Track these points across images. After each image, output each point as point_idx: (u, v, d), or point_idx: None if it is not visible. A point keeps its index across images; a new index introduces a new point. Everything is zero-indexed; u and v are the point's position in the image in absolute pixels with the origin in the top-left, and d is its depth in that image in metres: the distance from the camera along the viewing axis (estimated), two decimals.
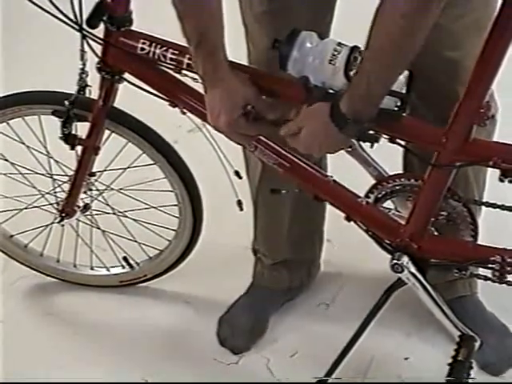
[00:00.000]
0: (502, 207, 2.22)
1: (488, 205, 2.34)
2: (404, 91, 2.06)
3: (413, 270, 2.29)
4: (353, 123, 1.93)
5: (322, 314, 2.85)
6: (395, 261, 2.27)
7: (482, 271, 2.30)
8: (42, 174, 2.73)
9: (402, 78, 2.06)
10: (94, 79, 2.41)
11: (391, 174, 2.28)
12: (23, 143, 2.68)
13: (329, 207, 2.47)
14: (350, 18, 2.67)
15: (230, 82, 2.07)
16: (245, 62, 2.27)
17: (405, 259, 2.27)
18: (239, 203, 2.51)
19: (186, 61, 2.22)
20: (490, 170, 2.18)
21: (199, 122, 2.32)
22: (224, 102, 2.09)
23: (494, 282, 2.24)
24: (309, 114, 2.04)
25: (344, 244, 2.68)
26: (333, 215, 2.42)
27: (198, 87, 2.24)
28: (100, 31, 2.29)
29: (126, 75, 2.37)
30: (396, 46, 1.80)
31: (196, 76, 2.20)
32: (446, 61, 2.16)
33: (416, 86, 2.23)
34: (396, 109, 2.06)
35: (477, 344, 2.37)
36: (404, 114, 2.08)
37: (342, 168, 2.39)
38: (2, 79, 3.27)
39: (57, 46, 3.83)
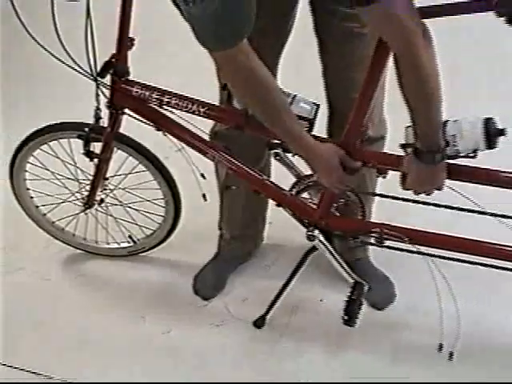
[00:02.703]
0: (385, 196, 2.31)
1: (375, 195, 2.49)
2: (312, 117, 2.17)
3: (322, 238, 2.38)
4: (432, 153, 1.94)
5: (265, 273, 2.93)
6: (310, 233, 2.37)
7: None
8: (72, 179, 2.79)
9: (309, 107, 2.18)
10: (104, 113, 2.49)
11: (306, 174, 2.35)
12: (58, 158, 2.75)
13: None
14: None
15: (324, 153, 2.08)
16: None
17: (316, 232, 2.36)
18: (203, 196, 2.61)
19: (165, 99, 2.33)
20: None
21: (178, 143, 2.43)
22: (329, 168, 2.09)
23: (377, 246, 2.32)
24: (406, 165, 2.05)
25: (280, 224, 2.72)
26: (273, 204, 2.46)
27: (175, 117, 2.37)
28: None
29: (127, 110, 2.45)
30: (429, 87, 1.78)
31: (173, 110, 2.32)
32: (351, 100, 2.11)
33: (334, 119, 2.43)
34: (306, 128, 2.16)
35: (366, 288, 2.45)
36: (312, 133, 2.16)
37: (277, 171, 2.48)
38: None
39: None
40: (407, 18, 1.67)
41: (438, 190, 2.08)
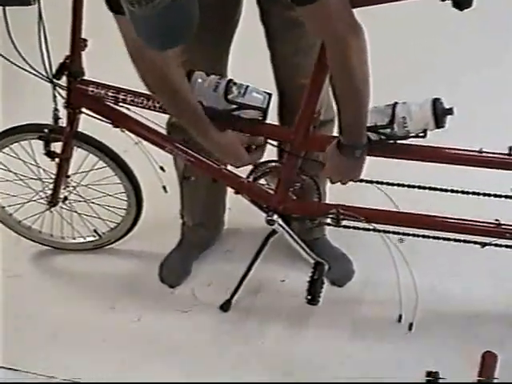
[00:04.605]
0: None
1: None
2: (265, 106, 2.10)
3: (281, 223, 2.32)
4: (353, 148, 1.92)
5: (227, 257, 2.85)
6: (269, 218, 2.31)
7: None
8: (35, 179, 2.71)
9: (262, 97, 2.12)
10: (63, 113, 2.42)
11: (263, 160, 2.29)
12: (20, 159, 2.66)
13: None
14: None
15: (229, 143, 2.09)
16: None
17: (275, 216, 2.30)
18: (164, 188, 2.55)
19: (120, 97, 2.26)
20: None
21: (135, 138, 2.36)
22: (231, 152, 2.12)
23: (334, 226, 2.29)
24: (327, 153, 2.04)
25: (239, 209, 2.66)
26: (232, 191, 2.42)
27: (132, 113, 2.30)
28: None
29: (84, 109, 2.38)
30: (357, 88, 1.77)
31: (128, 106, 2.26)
32: (299, 86, 2.12)
33: (284, 104, 2.35)
34: (260, 118, 2.12)
35: (326, 267, 2.41)
36: (266, 122, 2.13)
37: None
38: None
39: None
40: (340, 18, 1.65)
41: (353, 181, 2.09)
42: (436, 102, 1.97)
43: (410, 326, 2.39)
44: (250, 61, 2.92)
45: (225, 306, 2.59)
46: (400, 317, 2.41)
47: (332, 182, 2.13)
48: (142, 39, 1.48)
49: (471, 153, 2.04)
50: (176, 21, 1.42)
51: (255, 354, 2.44)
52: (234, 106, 2.09)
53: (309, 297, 2.35)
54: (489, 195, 2.14)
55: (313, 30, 1.77)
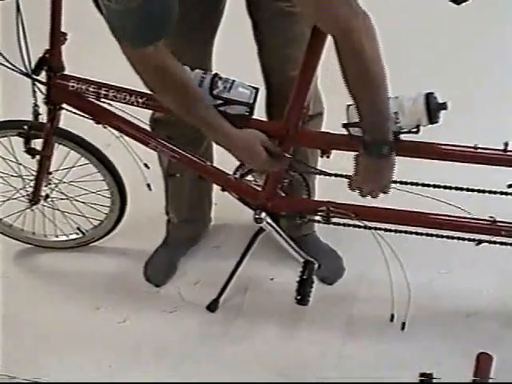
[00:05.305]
0: (329, 174, 2.21)
1: (319, 173, 2.33)
2: (251, 102, 2.04)
3: (269, 220, 2.27)
4: (380, 145, 1.81)
5: (215, 254, 2.78)
6: (256, 216, 2.25)
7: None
8: (16, 176, 2.64)
9: (248, 92, 2.06)
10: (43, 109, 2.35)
11: None
12: (0, 156, 2.60)
13: None
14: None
15: (244, 139, 1.97)
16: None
17: (263, 214, 2.24)
18: (148, 186, 2.49)
19: (102, 92, 2.20)
20: None
21: (117, 133, 2.29)
22: (252, 153, 1.98)
23: (324, 223, 2.24)
24: (354, 161, 1.92)
25: (226, 204, 2.56)
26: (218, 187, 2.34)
27: (114, 108, 2.24)
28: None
29: (65, 105, 2.31)
30: (370, 72, 1.66)
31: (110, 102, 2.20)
32: (288, 78, 2.07)
33: (272, 98, 2.28)
34: (247, 113, 2.05)
35: (315, 266, 2.35)
36: (253, 117, 2.07)
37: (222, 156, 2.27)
38: None
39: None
40: (341, 3, 1.57)
41: (384, 193, 1.99)
42: (429, 97, 1.90)
43: (403, 326, 2.34)
44: (236, 54, 2.88)
45: (212, 306, 2.52)
46: (392, 316, 2.35)
47: (362, 195, 2.02)
48: (116, 36, 1.41)
49: (466, 149, 1.97)
50: (153, 14, 1.37)
51: (245, 356, 2.38)
52: (220, 102, 2.02)
53: (298, 297, 2.29)
54: (483, 192, 2.08)
55: (314, 18, 1.69)
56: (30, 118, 2.37)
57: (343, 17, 1.58)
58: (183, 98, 1.87)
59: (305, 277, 2.32)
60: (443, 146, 1.99)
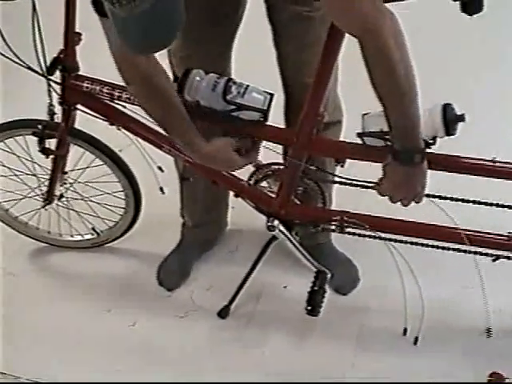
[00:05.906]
0: (345, 183, 2.15)
1: (334, 182, 2.27)
2: (265, 108, 2.00)
3: (282, 228, 2.24)
4: (411, 153, 1.74)
5: (229, 259, 2.75)
6: (269, 223, 2.22)
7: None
8: (31, 174, 2.63)
9: (262, 97, 2.02)
10: (58, 109, 2.32)
11: (265, 163, 2.20)
12: (15, 154, 2.57)
13: None
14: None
15: (217, 150, 1.94)
16: None
17: (276, 222, 2.22)
18: (161, 189, 2.46)
19: (116, 93, 2.17)
20: None
21: (131, 136, 2.27)
22: (222, 160, 1.97)
23: (338, 233, 2.19)
24: (383, 169, 1.85)
25: (242, 210, 2.50)
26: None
27: (128, 110, 2.20)
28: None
29: (79, 106, 2.29)
30: (400, 82, 1.59)
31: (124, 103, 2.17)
32: (305, 84, 1.98)
33: (289, 104, 2.26)
34: (261, 119, 2.01)
35: (328, 276, 2.32)
36: (267, 123, 2.03)
37: None
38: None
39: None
40: (368, 3, 1.51)
41: (417, 202, 1.90)
42: (447, 108, 1.84)
43: (416, 340, 2.29)
44: (257, 60, 2.85)
45: (223, 313, 2.48)
46: (405, 330, 2.32)
47: (393, 201, 1.92)
48: (122, 42, 1.37)
49: (484, 162, 1.91)
50: (157, 24, 1.32)
51: (255, 364, 2.36)
52: (233, 107, 1.99)
53: (309, 307, 2.26)
54: (502, 206, 2.02)
55: (339, 20, 1.59)
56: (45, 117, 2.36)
57: (371, 16, 1.51)
58: (165, 111, 1.87)
59: (316, 287, 2.28)
60: (460, 159, 1.93)
